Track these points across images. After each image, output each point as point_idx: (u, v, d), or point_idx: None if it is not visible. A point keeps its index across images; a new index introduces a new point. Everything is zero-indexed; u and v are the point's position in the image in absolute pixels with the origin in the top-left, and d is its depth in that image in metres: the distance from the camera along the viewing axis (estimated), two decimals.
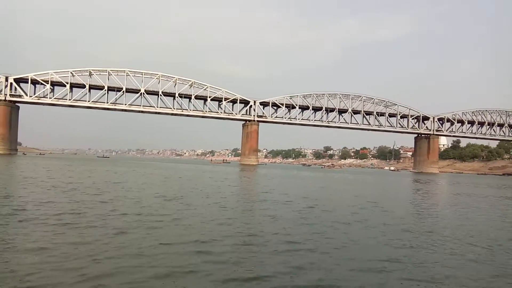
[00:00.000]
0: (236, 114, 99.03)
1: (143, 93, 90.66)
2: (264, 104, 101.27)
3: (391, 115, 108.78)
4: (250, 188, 24.69)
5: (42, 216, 9.39)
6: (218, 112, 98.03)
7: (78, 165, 46.38)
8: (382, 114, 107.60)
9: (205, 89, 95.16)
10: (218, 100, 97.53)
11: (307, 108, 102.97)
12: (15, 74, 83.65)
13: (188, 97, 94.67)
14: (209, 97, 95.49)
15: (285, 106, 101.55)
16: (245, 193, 20.30)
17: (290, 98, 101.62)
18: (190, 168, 55.56)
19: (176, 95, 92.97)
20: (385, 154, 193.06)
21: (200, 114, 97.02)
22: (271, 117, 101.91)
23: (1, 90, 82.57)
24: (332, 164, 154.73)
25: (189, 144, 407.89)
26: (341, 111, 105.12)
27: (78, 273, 5.21)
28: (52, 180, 21.46)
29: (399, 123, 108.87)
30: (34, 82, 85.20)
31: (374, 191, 28.51)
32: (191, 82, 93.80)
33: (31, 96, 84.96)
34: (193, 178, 31.40)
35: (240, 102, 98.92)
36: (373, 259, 6.90)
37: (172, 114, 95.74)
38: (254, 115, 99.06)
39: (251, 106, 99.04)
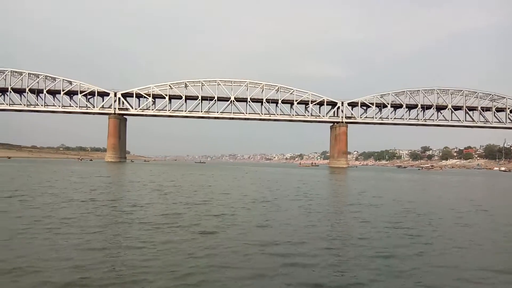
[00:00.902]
0: (324, 116, 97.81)
1: (233, 101, 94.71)
2: (353, 105, 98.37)
3: (498, 110, 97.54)
4: (340, 191, 24.26)
5: (146, 216, 10.50)
6: (305, 115, 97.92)
7: (178, 170, 50.27)
8: (488, 109, 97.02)
9: (291, 93, 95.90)
10: (305, 103, 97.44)
11: (400, 106, 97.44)
12: (122, 90, 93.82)
13: (275, 102, 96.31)
14: (296, 100, 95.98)
15: (376, 106, 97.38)
16: (335, 196, 20.02)
17: (380, 97, 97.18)
18: (278, 172, 56.48)
19: (264, 100, 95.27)
20: (493, 153, 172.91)
21: (287, 118, 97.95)
22: (361, 117, 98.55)
23: (111, 105, 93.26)
24: (432, 166, 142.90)
25: (278, 148, 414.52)
26: (440, 108, 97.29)
27: (173, 269, 5.76)
28: (155, 183, 23.68)
29: (509, 118, 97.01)
30: (138, 96, 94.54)
31: (482, 194, 25.86)
32: (277, 87, 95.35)
33: (136, 109, 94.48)
34: (281, 181, 31.89)
35: (327, 104, 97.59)
36: (478, 268, 6.38)
37: (260, 119, 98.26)
38: (342, 117, 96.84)
39: (338, 107, 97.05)
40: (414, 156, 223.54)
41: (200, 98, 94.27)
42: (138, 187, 21.22)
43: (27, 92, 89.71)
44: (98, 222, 9.70)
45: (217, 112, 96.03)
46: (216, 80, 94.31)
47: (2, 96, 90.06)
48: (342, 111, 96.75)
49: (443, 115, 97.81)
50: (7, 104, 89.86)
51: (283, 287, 5.10)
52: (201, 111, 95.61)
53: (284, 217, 11.52)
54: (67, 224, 9.19)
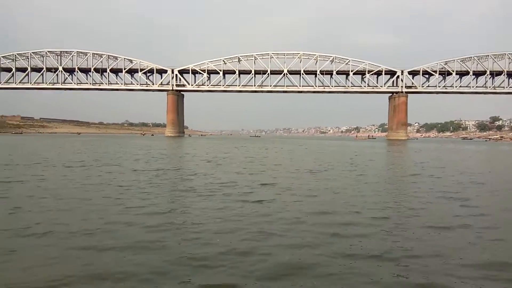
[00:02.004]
0: (381, 86, 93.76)
1: (286, 74, 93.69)
2: (414, 74, 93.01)
3: None
4: (398, 162, 23.35)
5: (204, 187, 10.91)
6: (361, 86, 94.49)
7: (234, 143, 51.31)
8: None
9: (346, 64, 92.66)
10: (361, 73, 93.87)
11: (466, 73, 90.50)
12: (178, 67, 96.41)
13: (330, 73, 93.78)
14: (351, 71, 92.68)
15: (439, 74, 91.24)
16: (392, 167, 19.32)
17: (444, 64, 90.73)
18: (333, 144, 55.50)
19: (318, 72, 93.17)
20: None
21: (343, 89, 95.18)
22: (422, 87, 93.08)
23: (169, 82, 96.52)
24: (501, 137, 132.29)
25: (333, 121, 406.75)
26: (511, 74, 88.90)
27: (227, 236, 5.97)
28: (212, 155, 24.45)
29: None
30: (194, 72, 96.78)
31: None
32: (332, 58, 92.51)
33: (192, 85, 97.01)
34: (336, 153, 31.34)
35: (385, 74, 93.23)
36: None
37: (314, 92, 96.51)
38: (401, 86, 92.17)
39: (398, 76, 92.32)
40: (482, 127, 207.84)
41: (253, 72, 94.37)
42: (195, 159, 22.05)
43: (92, 72, 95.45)
44: (158, 189, 10.27)
45: (270, 86, 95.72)
46: (268, 53, 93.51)
47: (70, 76, 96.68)
48: (401, 80, 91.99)
49: None
50: (74, 83, 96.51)
51: (334, 256, 5.09)
52: (254, 85, 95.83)
53: (337, 186, 11.38)
54: (129, 190, 9.85)
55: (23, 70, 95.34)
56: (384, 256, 5.02)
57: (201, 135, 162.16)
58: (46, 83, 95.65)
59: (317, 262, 4.75)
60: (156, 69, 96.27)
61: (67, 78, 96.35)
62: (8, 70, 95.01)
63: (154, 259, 4.79)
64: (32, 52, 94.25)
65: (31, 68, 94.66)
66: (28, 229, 6.07)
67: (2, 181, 11.47)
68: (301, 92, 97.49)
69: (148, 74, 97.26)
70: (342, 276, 4.33)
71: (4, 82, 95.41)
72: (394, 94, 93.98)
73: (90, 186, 10.95)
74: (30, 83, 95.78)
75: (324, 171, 16.07)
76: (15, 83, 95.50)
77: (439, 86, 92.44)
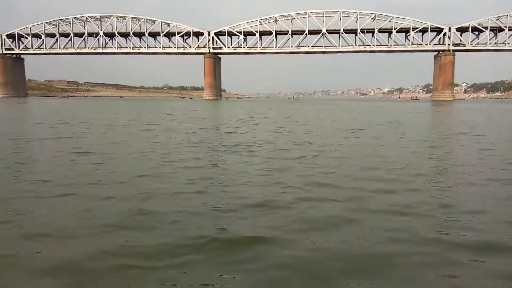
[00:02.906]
0: (427, 45, 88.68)
1: (325, 33, 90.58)
2: (462, 30, 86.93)
3: None
4: (444, 122, 22.56)
5: (243, 141, 11.28)
6: (405, 45, 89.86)
7: (274, 105, 51.32)
8: None
9: (389, 21, 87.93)
10: (405, 31, 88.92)
11: None
12: (215, 29, 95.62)
13: (371, 31, 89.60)
14: (395, 28, 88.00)
15: (490, 30, 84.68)
16: (435, 127, 18.74)
17: (496, 20, 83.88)
18: (372, 105, 53.89)
19: (358, 30, 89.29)
20: None
21: (385, 48, 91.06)
22: (471, 44, 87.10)
23: (205, 45, 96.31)
24: None
25: (374, 83, 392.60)
26: None
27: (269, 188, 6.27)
28: (251, 116, 24.79)
29: None
30: (230, 34, 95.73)
31: None
32: (373, 15, 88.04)
33: (228, 47, 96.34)
34: (375, 112, 30.66)
35: (431, 31, 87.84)
36: None
37: (354, 51, 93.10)
38: (448, 44, 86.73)
39: (445, 34, 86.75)
40: None
41: (290, 32, 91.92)
42: (235, 120, 22.49)
43: (131, 36, 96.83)
44: (198, 149, 10.75)
45: (308, 47, 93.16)
46: (306, 12, 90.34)
47: (111, 40, 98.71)
48: (449, 37, 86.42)
49: None
50: (115, 47, 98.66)
51: (372, 211, 5.21)
52: (292, 46, 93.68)
53: (376, 146, 11.36)
54: (176, 148, 10.41)
55: (66, 35, 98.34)
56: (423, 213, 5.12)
57: (238, 98, 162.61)
58: (88, 48, 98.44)
59: (352, 218, 4.77)
60: (193, 32, 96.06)
61: (107, 42, 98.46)
62: (52, 35, 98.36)
63: (195, 206, 5.19)
64: (74, 18, 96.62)
65: (74, 33, 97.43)
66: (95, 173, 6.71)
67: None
68: (340, 52, 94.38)
69: (185, 37, 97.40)
70: (376, 231, 4.39)
71: (49, 48, 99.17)
72: (441, 52, 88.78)
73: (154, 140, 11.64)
74: (74, 48, 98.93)
75: (361, 130, 15.96)
76: (59, 48, 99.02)
77: (490, 43, 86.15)
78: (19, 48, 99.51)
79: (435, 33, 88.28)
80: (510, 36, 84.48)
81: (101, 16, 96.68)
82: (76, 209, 5.04)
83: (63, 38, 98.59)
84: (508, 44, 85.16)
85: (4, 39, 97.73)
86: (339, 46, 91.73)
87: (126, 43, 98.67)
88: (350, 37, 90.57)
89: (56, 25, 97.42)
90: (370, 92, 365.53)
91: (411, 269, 3.40)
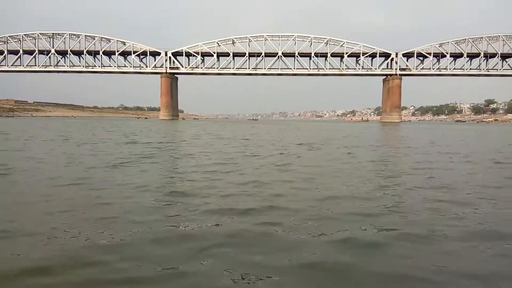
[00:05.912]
0: (376, 69, 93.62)
1: (281, 56, 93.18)
2: (408, 56, 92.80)
3: None
4: (389, 141, 23.76)
5: (196, 167, 11.30)
6: (356, 69, 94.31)
7: (236, 126, 51.59)
8: None
9: (341, 46, 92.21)
10: (356, 55, 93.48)
11: (460, 55, 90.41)
12: (172, 49, 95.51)
13: (324, 55, 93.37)
14: (346, 53, 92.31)
15: (433, 56, 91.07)
16: (382, 144, 19.66)
17: (439, 46, 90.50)
18: (326, 127, 55.63)
19: (312, 54, 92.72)
20: None
21: (337, 72, 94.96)
22: (416, 69, 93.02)
23: (162, 64, 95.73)
24: (495, 120, 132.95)
25: (329, 105, 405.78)
26: (505, 56, 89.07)
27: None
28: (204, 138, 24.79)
29: None
30: (188, 54, 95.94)
31: None
32: (326, 40, 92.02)
33: (185, 68, 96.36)
34: (325, 131, 31.72)
35: (380, 56, 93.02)
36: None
37: (308, 74, 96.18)
38: (396, 69, 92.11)
39: (392, 59, 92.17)
40: (477, 110, 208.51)
41: (247, 54, 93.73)
42: (197, 139, 22.35)
43: (85, 54, 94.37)
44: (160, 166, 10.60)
45: (265, 68, 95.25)
46: (263, 36, 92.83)
47: (63, 58, 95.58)
48: (396, 62, 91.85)
49: (508, 64, 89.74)
50: (67, 66, 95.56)
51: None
52: (249, 68, 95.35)
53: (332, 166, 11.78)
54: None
55: (15, 52, 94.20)
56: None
57: (194, 119, 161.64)
58: (38, 66, 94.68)
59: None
60: (150, 52, 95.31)
61: (59, 60, 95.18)
62: (0, 52, 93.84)
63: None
64: (24, 34, 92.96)
65: (23, 50, 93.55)
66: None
67: None
68: (295, 74, 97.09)
69: (142, 57, 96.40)
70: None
71: None
72: (388, 76, 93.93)
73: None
74: (23, 66, 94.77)
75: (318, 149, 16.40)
76: (8, 66, 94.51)
77: (434, 69, 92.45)
78: None
79: (383, 58, 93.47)
80: (451, 61, 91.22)
81: (53, 33, 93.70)
82: None
83: (11, 55, 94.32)
84: (449, 69, 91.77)
85: None
86: (294, 69, 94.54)
87: (80, 62, 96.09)
88: (304, 61, 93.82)
89: (5, 42, 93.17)
90: (326, 114, 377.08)
91: None
